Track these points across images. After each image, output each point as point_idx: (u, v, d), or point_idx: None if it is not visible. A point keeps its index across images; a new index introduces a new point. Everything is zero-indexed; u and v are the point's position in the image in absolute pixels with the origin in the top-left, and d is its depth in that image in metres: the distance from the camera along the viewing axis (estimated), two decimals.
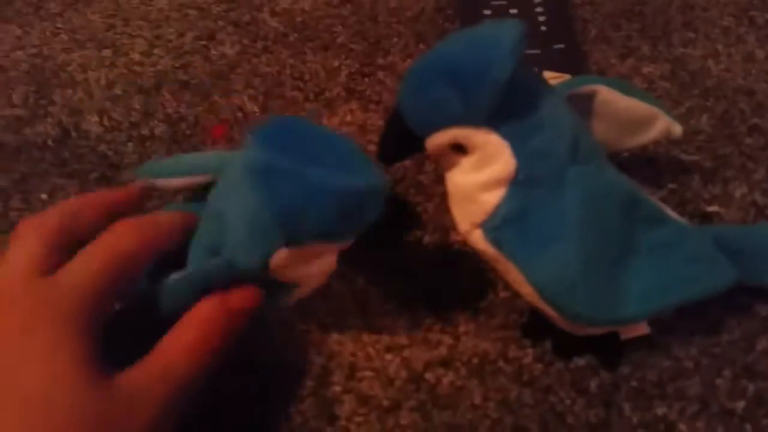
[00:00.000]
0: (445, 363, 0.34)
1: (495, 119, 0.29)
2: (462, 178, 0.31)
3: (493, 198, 0.30)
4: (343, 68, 0.50)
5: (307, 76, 0.50)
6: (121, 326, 0.29)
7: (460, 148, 0.30)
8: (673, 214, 0.34)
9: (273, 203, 0.27)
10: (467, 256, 0.38)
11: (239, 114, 0.47)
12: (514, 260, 0.30)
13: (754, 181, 0.41)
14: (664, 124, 0.36)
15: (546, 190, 0.30)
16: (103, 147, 0.46)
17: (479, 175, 0.30)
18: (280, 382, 0.34)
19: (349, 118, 0.46)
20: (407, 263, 0.39)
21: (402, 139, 0.32)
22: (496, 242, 0.30)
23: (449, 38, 0.31)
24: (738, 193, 0.40)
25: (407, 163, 0.43)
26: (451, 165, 0.31)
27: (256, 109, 0.47)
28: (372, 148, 0.44)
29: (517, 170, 0.29)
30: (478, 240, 0.31)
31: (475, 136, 0.29)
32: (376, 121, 0.46)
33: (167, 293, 0.30)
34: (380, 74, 0.49)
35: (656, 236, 0.32)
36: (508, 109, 0.29)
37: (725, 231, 0.36)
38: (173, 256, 0.31)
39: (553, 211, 0.29)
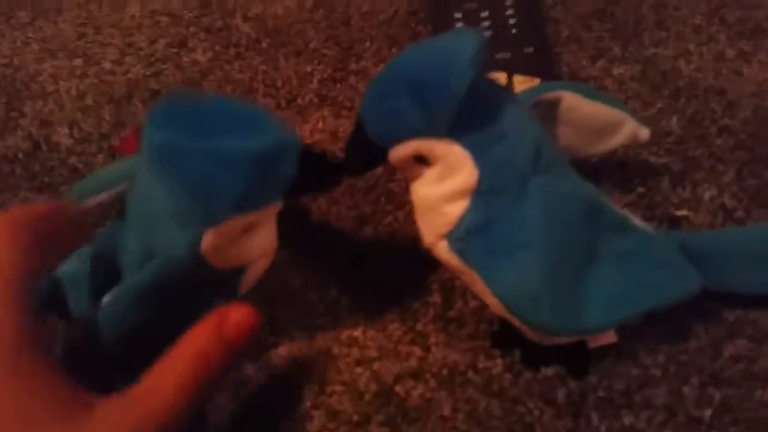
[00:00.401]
0: (415, 375, 0.35)
1: (456, 130, 0.29)
2: (425, 189, 0.31)
3: (456, 209, 0.30)
4: (315, 74, 0.50)
5: (279, 83, 0.49)
6: (78, 357, 0.29)
7: (422, 160, 0.30)
8: (638, 222, 0.34)
9: (180, 183, 0.27)
10: (437, 266, 0.38)
11: None
12: (479, 271, 0.30)
13: (724, 184, 0.41)
14: (630, 129, 0.36)
15: (508, 200, 0.30)
16: (73, 159, 0.46)
17: (442, 187, 0.30)
18: (248, 398, 0.34)
19: (321, 124, 0.46)
20: (378, 274, 0.39)
21: (365, 150, 0.32)
22: (460, 253, 0.30)
23: (409, 49, 0.31)
24: (707, 196, 0.40)
25: (378, 171, 0.43)
26: (415, 176, 0.32)
27: None
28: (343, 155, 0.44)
29: (480, 181, 0.29)
30: (443, 251, 0.31)
31: (437, 147, 0.29)
32: (348, 127, 0.46)
33: (111, 313, 0.29)
34: (352, 79, 0.49)
35: (621, 244, 0.32)
36: (470, 119, 0.29)
37: (690, 237, 0.36)
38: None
39: (516, 221, 0.30)
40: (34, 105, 0.50)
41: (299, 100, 0.48)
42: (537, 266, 0.29)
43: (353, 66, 0.50)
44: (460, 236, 0.30)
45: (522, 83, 0.43)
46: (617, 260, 0.31)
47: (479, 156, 0.29)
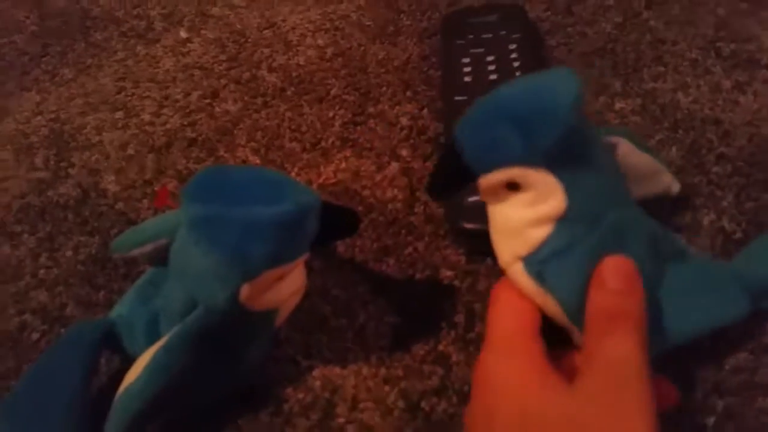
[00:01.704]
0: (438, 392, 0.38)
1: (552, 161, 0.30)
2: (512, 212, 0.32)
3: (541, 233, 0.32)
4: (336, 118, 0.54)
5: (304, 128, 0.53)
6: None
7: (513, 186, 0.32)
8: (693, 250, 0.37)
9: (216, 249, 0.31)
10: (456, 291, 0.42)
11: None
12: (555, 293, 0.32)
13: (722, 208, 0.44)
14: (667, 182, 0.39)
15: (587, 228, 0.32)
16: (120, 205, 0.50)
17: (531, 212, 0.32)
18: (287, 415, 0.37)
19: (343, 165, 0.50)
20: (401, 300, 0.42)
21: (455, 175, 0.33)
22: (538, 275, 0.32)
23: (511, 84, 0.32)
24: (706, 221, 0.43)
25: (398, 205, 0.47)
26: (501, 199, 0.33)
27: (258, 161, 0.51)
28: (366, 193, 0.48)
29: (568, 209, 0.31)
30: (517, 272, 0.33)
31: (532, 176, 0.31)
32: (369, 167, 0.49)
33: (163, 358, 0.33)
34: (371, 122, 0.53)
35: (680, 272, 0.34)
36: (565, 152, 0.30)
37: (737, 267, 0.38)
38: None
39: (592, 249, 0.31)
40: (81, 155, 0.54)
41: (323, 143, 0.52)
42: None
43: (371, 110, 0.54)
44: (541, 259, 0.32)
45: None
46: (676, 287, 0.34)
47: (569, 185, 0.31)
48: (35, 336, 0.43)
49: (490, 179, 0.32)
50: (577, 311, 0.32)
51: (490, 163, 0.31)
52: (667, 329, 0.33)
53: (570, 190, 0.31)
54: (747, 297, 0.34)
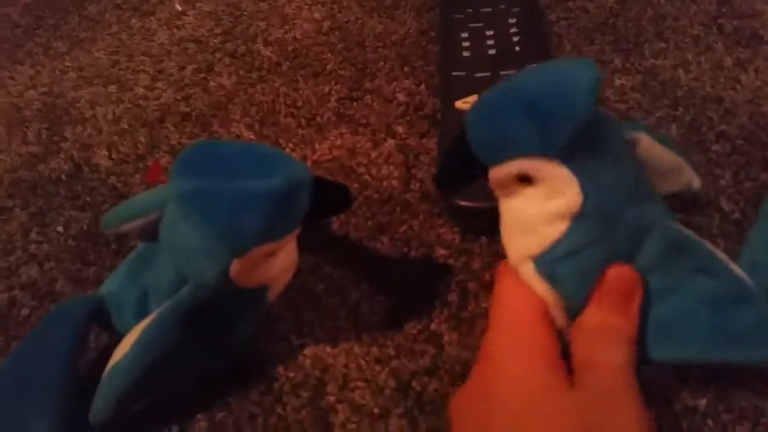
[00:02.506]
0: (430, 372, 0.37)
1: (566, 154, 0.29)
2: (525, 207, 0.31)
3: (555, 231, 0.30)
4: (332, 93, 0.53)
5: (299, 103, 0.53)
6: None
7: (525, 179, 0.30)
8: (735, 269, 0.33)
9: (206, 224, 0.30)
10: (450, 270, 0.41)
11: None
12: (564, 294, 0.31)
13: (720, 187, 0.43)
14: (688, 177, 0.37)
15: (602, 228, 0.30)
16: (112, 179, 0.50)
17: (544, 206, 0.30)
18: (277, 393, 0.37)
19: (339, 141, 0.49)
20: (394, 279, 0.41)
21: (464, 166, 0.32)
22: (549, 276, 0.31)
23: (525, 73, 0.31)
24: (704, 200, 0.42)
25: (394, 182, 0.46)
26: (513, 194, 0.31)
27: (252, 137, 0.51)
28: (361, 170, 0.47)
29: (583, 205, 0.30)
30: (528, 272, 0.32)
31: (545, 169, 0.29)
32: (365, 143, 0.49)
33: (153, 333, 0.33)
34: (368, 98, 0.52)
35: (704, 286, 0.32)
36: (580, 145, 0.29)
37: None
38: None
39: (606, 250, 0.30)
40: (74, 129, 0.54)
41: (318, 119, 0.51)
42: None
43: (368, 85, 0.53)
44: (554, 258, 0.31)
45: None
46: (698, 300, 0.31)
47: (585, 181, 0.29)
48: (25, 312, 0.43)
49: (500, 171, 0.30)
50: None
51: (502, 154, 0.30)
52: (676, 341, 0.31)
53: (586, 185, 0.29)
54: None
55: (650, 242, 0.31)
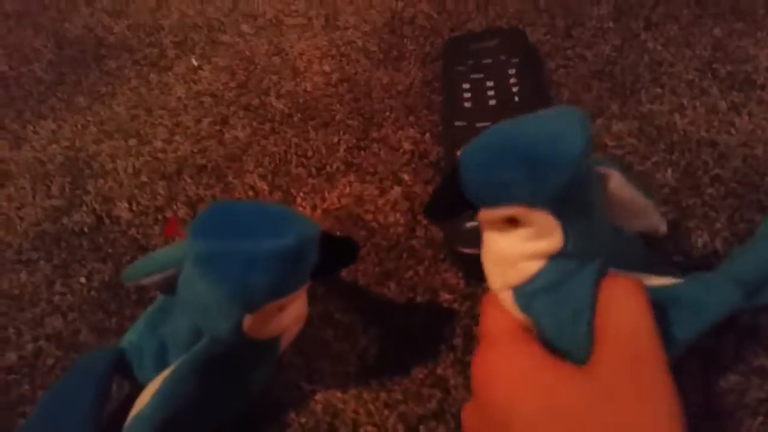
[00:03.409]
0: (437, 416, 0.39)
1: (554, 202, 0.31)
2: (509, 245, 0.33)
3: (533, 267, 0.32)
4: (341, 143, 0.55)
5: (310, 153, 0.55)
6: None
7: (513, 220, 0.32)
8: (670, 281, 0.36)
9: (220, 282, 0.32)
10: (455, 314, 0.43)
11: (251, 193, 0.53)
12: (539, 324, 0.33)
13: (716, 230, 0.44)
14: (655, 221, 0.38)
15: (577, 264, 0.32)
16: (132, 231, 0.52)
17: (527, 247, 0.32)
18: None
19: (347, 189, 0.52)
20: (401, 323, 0.43)
21: (455, 202, 0.33)
22: (525, 307, 0.33)
23: (519, 123, 0.32)
24: (700, 242, 0.44)
25: (400, 229, 0.48)
26: (498, 230, 0.33)
27: (265, 187, 0.53)
28: (368, 217, 0.49)
29: (563, 247, 0.31)
30: (506, 300, 0.34)
31: (533, 215, 0.31)
32: (373, 191, 0.51)
33: (173, 384, 0.34)
34: (375, 147, 0.54)
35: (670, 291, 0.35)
36: (567, 194, 0.30)
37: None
38: None
39: (577, 286, 0.32)
40: (95, 183, 0.56)
41: (328, 168, 0.54)
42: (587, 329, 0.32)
43: (375, 134, 0.55)
44: (530, 292, 0.33)
45: None
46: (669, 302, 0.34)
47: (567, 225, 0.31)
48: (50, 361, 0.45)
49: (490, 214, 0.32)
50: (557, 341, 0.32)
51: (493, 199, 0.32)
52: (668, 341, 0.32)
53: (567, 229, 0.31)
54: (737, 286, 0.35)
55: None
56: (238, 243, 0.32)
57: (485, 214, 0.33)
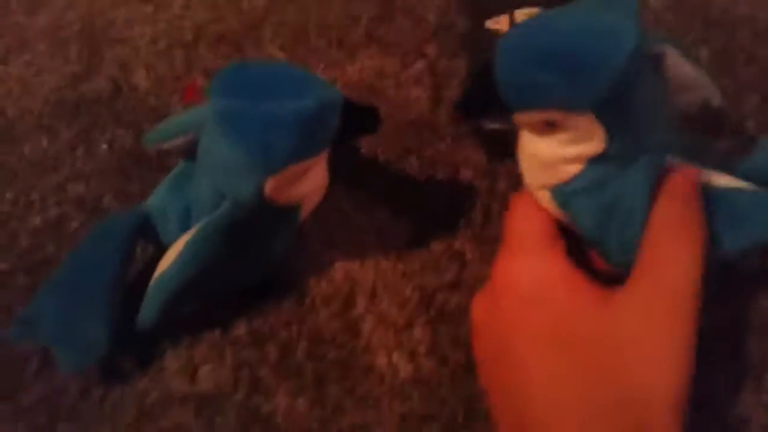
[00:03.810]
0: (453, 286, 0.40)
1: (597, 105, 0.29)
2: (548, 148, 0.32)
3: (573, 169, 0.31)
4: (363, 14, 0.53)
5: (330, 23, 0.53)
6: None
7: (550, 123, 0.31)
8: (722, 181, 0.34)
9: (242, 142, 0.32)
10: (475, 191, 0.43)
11: None
12: (577, 221, 0.33)
13: (748, 110, 0.43)
14: (710, 92, 0.36)
15: (617, 169, 0.31)
16: (151, 100, 0.51)
17: (567, 150, 0.31)
18: (310, 304, 0.40)
19: (368, 63, 0.50)
20: (421, 199, 0.43)
21: (489, 103, 0.32)
22: (564, 205, 0.32)
23: (559, 17, 0.30)
24: (729, 123, 0.43)
25: (422, 104, 0.47)
26: (535, 132, 0.32)
27: (284, 58, 0.52)
28: (390, 92, 0.48)
29: (604, 151, 0.30)
30: (544, 199, 0.33)
31: (572, 119, 0.29)
32: (395, 64, 0.50)
33: (193, 247, 0.35)
34: (398, 18, 0.52)
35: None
36: (613, 95, 0.29)
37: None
38: None
39: (622, 188, 0.31)
40: (113, 50, 0.55)
41: (349, 40, 0.52)
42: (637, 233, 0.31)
43: (399, 3, 0.53)
44: (569, 191, 0.32)
45: (522, 15, 0.45)
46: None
47: (611, 128, 0.29)
48: (74, 225, 0.45)
49: (527, 117, 0.31)
50: (597, 238, 0.32)
51: (531, 102, 0.30)
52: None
53: (611, 133, 0.30)
54: None
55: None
56: (259, 102, 0.32)
57: (521, 117, 0.31)
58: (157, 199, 0.41)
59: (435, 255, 0.41)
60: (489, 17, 0.47)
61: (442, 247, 0.41)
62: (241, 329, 0.40)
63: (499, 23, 0.47)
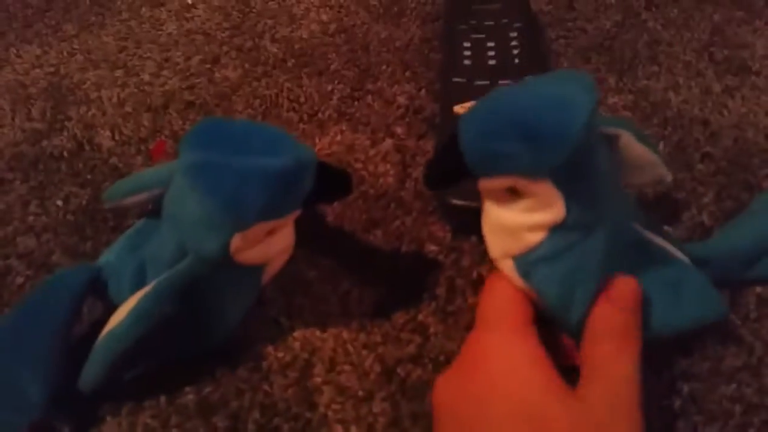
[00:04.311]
0: (415, 359, 0.38)
1: (556, 173, 0.30)
2: (510, 216, 0.32)
3: (535, 237, 0.32)
4: (335, 92, 0.54)
5: (302, 99, 0.54)
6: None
7: (513, 191, 0.32)
8: (677, 253, 0.37)
9: (213, 196, 0.31)
10: (440, 266, 0.42)
11: None
12: (539, 293, 0.33)
13: (703, 204, 0.45)
14: (661, 172, 0.38)
15: (579, 235, 0.32)
16: (114, 159, 0.50)
17: (529, 218, 0.32)
18: (265, 372, 0.38)
19: (339, 138, 0.51)
20: (385, 271, 0.43)
21: (455, 172, 0.33)
22: (525, 275, 0.33)
23: (521, 90, 0.31)
24: (687, 215, 0.44)
25: (390, 180, 0.47)
26: (499, 201, 0.33)
27: None
28: (358, 166, 0.48)
29: (565, 219, 0.31)
30: (506, 268, 0.34)
31: (533, 186, 0.31)
32: (364, 141, 0.50)
33: (149, 303, 0.33)
34: (369, 99, 0.54)
35: (664, 273, 0.35)
36: (570, 164, 0.30)
37: (698, 249, 0.39)
38: None
39: (581, 255, 0.32)
40: (78, 110, 0.55)
41: (320, 115, 0.53)
42: (591, 297, 0.32)
43: (370, 86, 0.55)
44: (531, 261, 0.32)
45: None
46: (658, 287, 0.34)
47: (569, 196, 0.31)
48: (19, 280, 0.43)
49: (490, 183, 0.32)
50: (561, 309, 0.33)
51: (493, 169, 0.31)
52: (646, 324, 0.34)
53: (569, 200, 0.31)
54: (723, 301, 0.36)
55: (621, 245, 0.33)
56: (234, 157, 0.31)
57: (485, 184, 0.32)
58: (111, 255, 0.40)
59: (398, 327, 0.40)
60: (457, 103, 0.48)
61: (405, 319, 0.40)
62: (188, 396, 0.37)
63: (467, 109, 0.49)
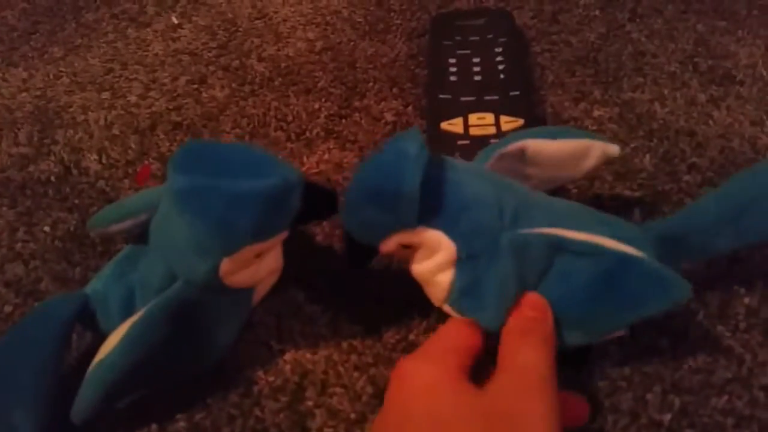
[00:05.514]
0: None
1: (424, 217, 0.32)
2: (417, 267, 0.35)
3: (446, 278, 0.34)
4: (322, 110, 0.54)
5: (289, 117, 0.54)
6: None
7: (407, 246, 0.34)
8: (610, 244, 0.35)
9: (201, 220, 0.31)
10: None
11: None
12: (477, 323, 0.34)
13: None
14: (599, 150, 0.39)
15: (486, 259, 0.33)
16: (101, 183, 0.50)
17: (429, 264, 0.34)
18: (256, 396, 0.38)
19: (326, 156, 0.51)
20: (376, 290, 0.43)
21: (359, 249, 0.36)
22: (461, 312, 0.34)
23: (365, 163, 0.34)
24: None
25: None
26: (406, 258, 0.35)
27: None
28: (347, 184, 0.48)
29: (458, 251, 0.33)
30: (448, 310, 0.35)
31: (413, 237, 0.33)
32: (352, 159, 0.50)
33: (142, 328, 0.33)
34: (356, 116, 0.54)
35: (593, 268, 0.34)
36: (433, 203, 0.32)
37: (662, 227, 0.37)
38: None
39: (494, 277, 0.33)
40: (65, 133, 0.55)
41: (307, 134, 0.53)
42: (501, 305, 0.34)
43: (357, 104, 0.55)
44: (455, 299, 0.34)
45: (508, 123, 0.47)
46: (591, 283, 0.34)
47: (451, 231, 0.33)
48: (8, 309, 0.43)
49: (383, 248, 0.34)
50: (496, 331, 0.34)
51: (373, 238, 0.34)
52: (583, 324, 0.34)
53: (452, 234, 0.33)
54: (684, 280, 0.33)
55: (532, 254, 0.34)
56: (221, 180, 0.31)
57: (383, 250, 0.34)
58: (99, 283, 0.39)
59: (389, 347, 0.40)
60: (443, 120, 0.49)
61: (396, 339, 0.40)
62: (179, 423, 0.37)
63: (454, 125, 0.49)
